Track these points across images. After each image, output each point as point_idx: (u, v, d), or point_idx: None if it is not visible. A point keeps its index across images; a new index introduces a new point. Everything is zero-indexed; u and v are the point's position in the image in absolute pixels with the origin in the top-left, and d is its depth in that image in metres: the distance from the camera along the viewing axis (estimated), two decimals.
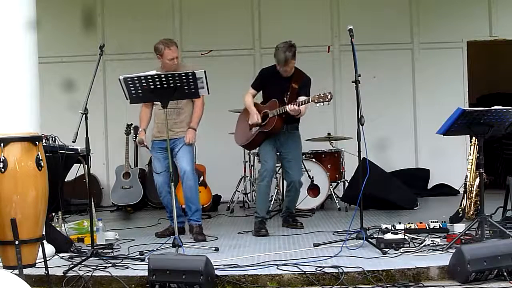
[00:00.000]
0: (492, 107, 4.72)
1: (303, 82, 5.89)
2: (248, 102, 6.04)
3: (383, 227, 5.37)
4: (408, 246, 4.83)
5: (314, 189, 7.45)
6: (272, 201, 7.39)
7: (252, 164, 8.01)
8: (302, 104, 5.60)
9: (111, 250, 5.12)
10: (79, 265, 4.47)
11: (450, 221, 5.84)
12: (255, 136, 5.96)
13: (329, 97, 5.39)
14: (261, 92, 6.11)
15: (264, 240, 5.52)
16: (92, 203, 5.30)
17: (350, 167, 7.58)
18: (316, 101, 5.44)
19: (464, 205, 6.07)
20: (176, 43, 5.76)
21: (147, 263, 4.17)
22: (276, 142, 5.98)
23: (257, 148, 6.31)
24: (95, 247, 4.74)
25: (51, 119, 6.78)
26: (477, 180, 5.81)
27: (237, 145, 6.32)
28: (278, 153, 6.08)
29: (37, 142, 4.06)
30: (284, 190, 6.55)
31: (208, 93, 5.06)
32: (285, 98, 5.81)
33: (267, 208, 6.09)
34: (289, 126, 5.94)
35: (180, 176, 5.75)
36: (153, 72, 4.91)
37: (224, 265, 4.43)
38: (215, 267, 4.25)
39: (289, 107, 5.62)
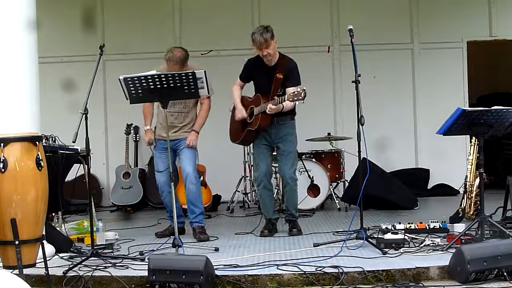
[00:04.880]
0: (492, 107, 4.72)
1: (288, 70, 5.60)
2: (235, 96, 5.88)
3: (383, 227, 5.37)
4: (408, 246, 4.83)
5: (314, 189, 7.44)
6: None
7: (252, 164, 7.99)
8: (279, 103, 5.38)
9: (111, 250, 5.12)
10: (79, 265, 4.47)
11: (450, 221, 5.83)
12: (245, 135, 5.84)
13: (302, 95, 5.13)
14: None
15: (264, 240, 5.52)
16: (92, 203, 5.30)
17: (350, 167, 7.57)
18: (291, 99, 5.23)
19: (464, 205, 6.07)
20: (170, 57, 5.58)
21: (147, 263, 4.18)
22: (267, 137, 5.77)
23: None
24: (95, 247, 4.73)
25: (51, 119, 6.79)
26: (477, 180, 5.81)
27: (237, 145, 6.29)
28: (274, 152, 5.96)
29: (37, 142, 4.06)
30: None
31: (208, 93, 5.07)
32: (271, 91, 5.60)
33: (271, 209, 5.95)
34: (279, 119, 5.66)
35: (182, 177, 5.74)
36: (153, 72, 4.91)
37: (224, 265, 4.43)
38: (215, 267, 4.25)
39: (268, 108, 5.44)
